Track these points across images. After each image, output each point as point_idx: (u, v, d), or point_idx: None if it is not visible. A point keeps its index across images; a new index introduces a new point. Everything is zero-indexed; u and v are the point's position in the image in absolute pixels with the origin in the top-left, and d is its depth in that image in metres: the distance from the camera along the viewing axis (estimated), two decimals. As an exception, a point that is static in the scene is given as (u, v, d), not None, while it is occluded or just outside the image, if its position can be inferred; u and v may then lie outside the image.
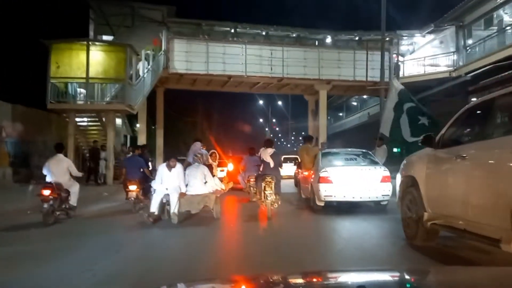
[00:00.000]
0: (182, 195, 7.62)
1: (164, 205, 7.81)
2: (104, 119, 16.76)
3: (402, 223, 5.65)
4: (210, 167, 9.06)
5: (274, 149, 9.30)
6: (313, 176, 9.23)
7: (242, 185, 12.21)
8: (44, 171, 8.06)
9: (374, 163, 9.24)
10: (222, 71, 22.50)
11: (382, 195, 8.50)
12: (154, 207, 7.53)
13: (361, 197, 8.52)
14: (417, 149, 6.23)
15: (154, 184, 7.93)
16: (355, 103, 43.36)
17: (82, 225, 7.93)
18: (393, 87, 12.76)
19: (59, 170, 8.04)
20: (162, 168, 7.96)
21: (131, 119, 24.14)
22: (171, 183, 7.74)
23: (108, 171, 15.68)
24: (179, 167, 7.92)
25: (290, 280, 1.83)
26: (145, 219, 7.51)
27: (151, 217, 7.49)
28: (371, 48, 24.44)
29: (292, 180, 17.42)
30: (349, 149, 10.27)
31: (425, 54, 24.98)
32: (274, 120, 69.58)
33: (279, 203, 8.64)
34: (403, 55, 25.81)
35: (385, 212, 8.64)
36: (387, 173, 8.62)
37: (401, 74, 24.20)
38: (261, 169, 9.30)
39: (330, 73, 23.53)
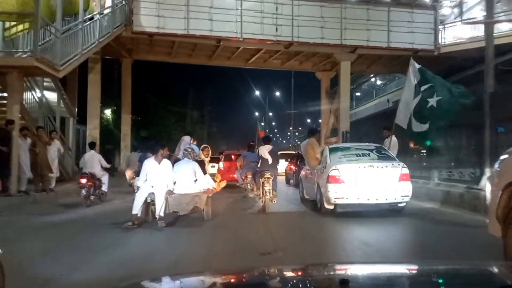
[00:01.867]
0: (169, 193, 6.84)
1: (148, 205, 7.00)
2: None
3: (506, 257, 3.73)
4: (202, 164, 8.09)
5: (272, 146, 9.29)
6: (320, 174, 8.18)
7: (239, 181, 11.86)
8: (81, 164, 9.89)
9: (391, 159, 8.10)
10: (209, 31, 16.16)
11: (402, 196, 7.51)
12: (136, 209, 6.68)
13: (377, 199, 7.48)
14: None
15: (138, 182, 7.16)
16: (366, 91, 37.49)
17: (105, 209, 8.96)
18: (411, 67, 9.29)
19: (92, 162, 9.65)
20: (149, 162, 7.00)
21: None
22: (158, 180, 6.87)
23: (13, 169, 9.17)
24: (167, 162, 7.14)
25: (278, 273, 1.84)
26: (127, 226, 6.48)
27: (135, 220, 6.61)
28: (409, 5, 18.36)
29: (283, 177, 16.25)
30: (361, 144, 9.19)
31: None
32: (270, 114, 63.63)
33: (276, 199, 8.77)
34: (442, 22, 19.63)
35: (407, 215, 7.63)
36: (406, 171, 7.65)
37: (443, 41, 18.03)
38: (258, 165, 9.22)
39: (355, 37, 17.32)
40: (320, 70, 21.58)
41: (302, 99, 43.00)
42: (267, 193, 8.22)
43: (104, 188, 9.91)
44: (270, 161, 8.84)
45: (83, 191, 9.05)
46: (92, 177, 9.35)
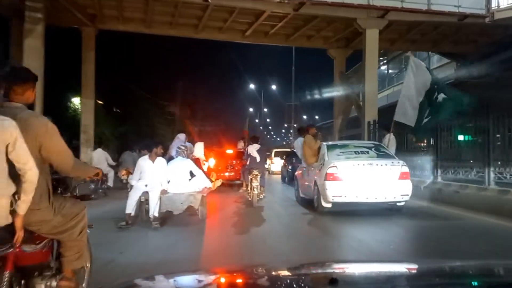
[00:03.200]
0: (163, 192, 6.69)
1: (142, 204, 6.79)
2: None
3: None
4: (197, 162, 7.99)
5: (260, 145, 9.92)
6: (317, 172, 7.96)
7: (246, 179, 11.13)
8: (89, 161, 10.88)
9: (390, 157, 7.91)
10: (193, -17, 11.94)
11: (401, 195, 7.31)
12: (130, 208, 6.54)
13: (376, 198, 7.30)
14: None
15: (132, 180, 6.96)
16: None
17: (109, 202, 9.00)
18: (413, 64, 8.81)
19: (99, 159, 10.67)
20: (143, 161, 6.85)
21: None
22: (153, 179, 6.71)
23: None
24: (162, 160, 6.96)
25: (270, 271, 1.85)
26: (121, 226, 6.34)
27: (128, 220, 6.47)
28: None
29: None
30: (359, 141, 9.32)
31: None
32: (266, 110, 59.72)
33: (264, 194, 9.65)
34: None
35: (409, 215, 7.36)
36: (406, 169, 7.47)
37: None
38: (247, 163, 9.86)
39: (387, -3, 13.18)
40: (333, 47, 17.47)
41: (307, 86, 37.79)
42: (255, 189, 8.81)
43: (110, 183, 10.81)
44: (258, 159, 9.50)
45: (92, 185, 9.74)
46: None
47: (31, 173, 2.14)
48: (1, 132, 2.07)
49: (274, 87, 44.19)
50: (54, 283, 2.40)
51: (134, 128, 28.25)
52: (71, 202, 2.61)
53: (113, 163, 11.05)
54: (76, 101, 22.53)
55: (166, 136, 31.24)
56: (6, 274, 2.10)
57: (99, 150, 11.11)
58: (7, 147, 2.10)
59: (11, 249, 2.13)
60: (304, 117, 50.53)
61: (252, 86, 43.24)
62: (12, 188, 2.13)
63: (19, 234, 2.15)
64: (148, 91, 30.23)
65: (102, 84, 22.31)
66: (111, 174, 10.83)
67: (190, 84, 37.02)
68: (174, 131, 34.64)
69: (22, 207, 2.15)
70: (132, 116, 28.44)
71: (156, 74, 31.88)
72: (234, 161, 13.30)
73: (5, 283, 2.08)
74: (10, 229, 2.13)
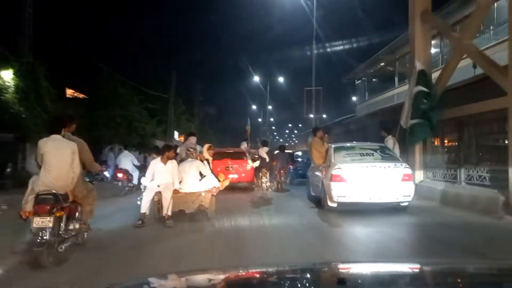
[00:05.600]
0: (175, 191, 7.39)
1: (155, 203, 7.46)
2: None
3: None
4: (206, 163, 8.35)
5: (268, 148, 12.98)
6: (324, 173, 8.65)
7: (274, 176, 13.08)
8: (117, 162, 13.04)
9: (394, 159, 8.46)
10: None
11: (404, 196, 7.84)
12: (144, 208, 7.21)
13: (379, 199, 7.83)
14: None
15: (144, 181, 7.63)
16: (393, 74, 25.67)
17: (132, 198, 9.72)
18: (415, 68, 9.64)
19: (125, 161, 12.69)
20: (156, 163, 7.54)
21: None
22: (164, 180, 7.35)
23: None
24: (173, 162, 7.57)
25: (278, 272, 1.87)
26: (137, 225, 7.07)
27: (143, 219, 7.14)
28: None
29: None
30: (365, 143, 9.51)
31: None
32: (270, 107, 53.83)
33: (272, 188, 11.96)
34: None
35: (413, 214, 7.87)
36: (409, 171, 8.01)
37: None
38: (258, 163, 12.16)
39: None
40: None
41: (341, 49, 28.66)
42: (264, 184, 11.06)
43: (135, 181, 12.10)
44: (267, 159, 12.26)
45: (120, 184, 11.80)
46: (126, 172, 12.06)
47: (77, 169, 4.97)
48: (71, 149, 4.88)
49: (281, 79, 37.58)
50: (77, 225, 5.11)
51: (105, 121, 21.03)
52: (89, 184, 5.47)
53: (138, 164, 13.04)
54: (4, 74, 15.19)
55: (147, 130, 24.11)
56: (64, 215, 4.77)
57: (126, 152, 13.33)
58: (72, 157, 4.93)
59: (68, 203, 4.86)
60: (311, 115, 42.99)
61: (256, 78, 36.83)
62: (71, 176, 4.91)
63: (71, 196, 5.00)
64: (123, 72, 23.29)
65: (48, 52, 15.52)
66: (135, 174, 12.38)
67: (189, 77, 30.45)
68: (160, 124, 27.53)
69: (73, 184, 4.97)
70: (101, 103, 21.32)
71: (131, 43, 25.10)
72: (236, 165, 13.30)
73: (63, 220, 4.77)
74: (67, 194, 4.89)
